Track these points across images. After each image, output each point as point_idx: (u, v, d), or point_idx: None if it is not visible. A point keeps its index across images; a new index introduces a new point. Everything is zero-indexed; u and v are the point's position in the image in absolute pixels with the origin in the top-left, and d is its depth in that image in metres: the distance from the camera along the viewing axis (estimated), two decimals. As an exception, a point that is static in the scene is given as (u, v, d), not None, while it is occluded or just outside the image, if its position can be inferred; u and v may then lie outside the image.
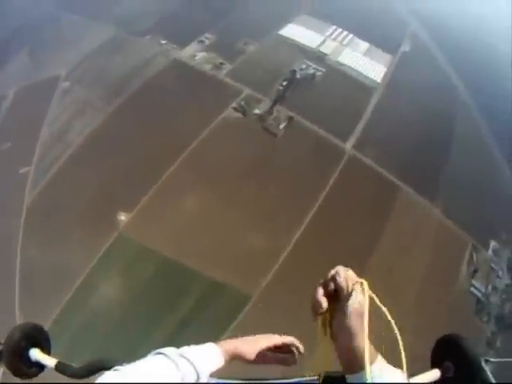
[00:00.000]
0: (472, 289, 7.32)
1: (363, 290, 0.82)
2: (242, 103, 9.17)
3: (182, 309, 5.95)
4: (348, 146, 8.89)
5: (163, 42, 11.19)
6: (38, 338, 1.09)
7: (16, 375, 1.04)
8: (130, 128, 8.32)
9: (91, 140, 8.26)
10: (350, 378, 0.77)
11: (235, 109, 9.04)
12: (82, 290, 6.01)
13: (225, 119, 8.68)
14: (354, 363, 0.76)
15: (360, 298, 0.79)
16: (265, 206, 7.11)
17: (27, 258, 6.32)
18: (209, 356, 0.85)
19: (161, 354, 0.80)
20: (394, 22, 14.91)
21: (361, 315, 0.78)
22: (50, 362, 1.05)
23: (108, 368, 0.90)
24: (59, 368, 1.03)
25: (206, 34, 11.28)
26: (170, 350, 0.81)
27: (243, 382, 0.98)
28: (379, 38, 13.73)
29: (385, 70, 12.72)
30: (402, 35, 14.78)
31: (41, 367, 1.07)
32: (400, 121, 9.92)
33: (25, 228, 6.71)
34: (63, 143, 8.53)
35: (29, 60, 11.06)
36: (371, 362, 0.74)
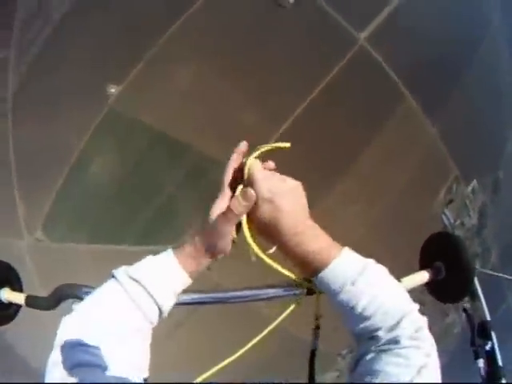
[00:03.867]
0: (443, 216, 7.48)
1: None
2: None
3: (173, 182, 5.95)
4: (362, 36, 8.00)
5: None
6: (5, 277, 1.00)
7: None
8: None
9: (73, 8, 7.18)
10: (320, 277, 0.60)
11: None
12: (77, 169, 5.87)
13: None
14: (313, 264, 0.60)
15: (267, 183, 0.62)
16: (261, 83, 6.48)
17: (19, 142, 6.07)
18: (171, 280, 0.61)
19: (113, 276, 0.61)
20: None
21: (273, 203, 0.60)
22: (19, 298, 0.97)
23: (72, 296, 0.87)
24: (29, 302, 0.95)
25: None
26: (120, 272, 0.61)
27: None
28: None
29: None
30: None
31: (16, 307, 0.99)
32: (423, 25, 8.80)
33: (13, 111, 6.26)
34: (43, 16, 7.50)
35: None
36: (333, 257, 0.59)
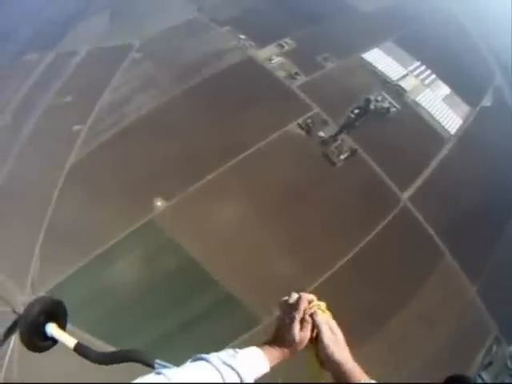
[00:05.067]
0: (478, 379, 7.04)
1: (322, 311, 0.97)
2: (308, 121, 8.84)
3: (190, 311, 5.99)
4: (405, 196, 8.43)
5: (242, 36, 10.92)
6: (55, 312, 1.06)
7: (29, 348, 1.01)
8: (190, 116, 8.22)
9: (148, 118, 8.23)
10: None
11: (299, 125, 8.74)
12: (100, 259, 6.08)
13: (287, 133, 8.43)
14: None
15: (329, 325, 0.94)
16: (302, 236, 6.89)
17: (58, 213, 6.47)
18: (254, 363, 0.83)
19: (203, 359, 0.77)
20: (480, 72, 13.97)
21: (339, 343, 0.91)
22: (68, 341, 0.99)
23: (135, 361, 0.89)
24: (78, 349, 0.97)
25: (287, 39, 10.90)
26: (213, 357, 0.78)
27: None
28: (462, 85, 12.93)
29: (461, 122, 11.92)
30: (486, 88, 13.88)
31: (54, 341, 1.03)
32: (464, 183, 9.29)
33: (64, 184, 6.87)
34: (120, 113, 8.58)
35: (108, 22, 11.15)
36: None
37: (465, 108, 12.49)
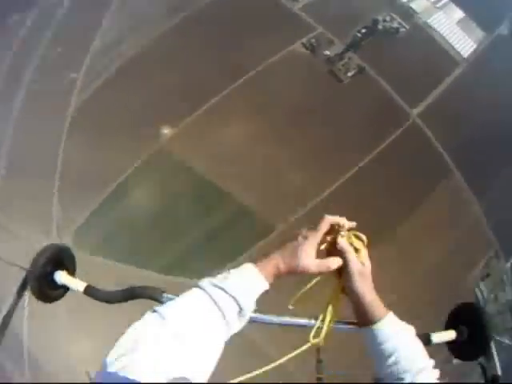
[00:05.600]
0: (476, 289, 7.42)
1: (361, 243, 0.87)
2: (313, 41, 8.48)
3: (206, 226, 6.14)
4: (414, 112, 8.24)
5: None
6: (63, 259, 1.06)
7: (42, 300, 1.01)
8: (187, 45, 7.91)
9: (144, 53, 7.94)
10: (363, 331, 0.84)
11: (304, 45, 8.40)
12: (116, 193, 6.18)
13: (290, 53, 8.12)
14: (366, 317, 0.82)
15: (361, 258, 0.86)
16: (311, 148, 6.88)
17: (68, 158, 6.46)
18: (251, 284, 0.75)
19: (197, 287, 0.73)
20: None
21: (364, 275, 0.85)
22: (78, 285, 1.00)
23: (144, 296, 0.89)
24: (89, 292, 0.98)
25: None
26: (204, 282, 0.73)
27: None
28: (477, 10, 12.12)
29: (474, 46, 11.17)
30: (503, 16, 13.01)
31: (66, 288, 1.04)
32: (474, 104, 8.86)
33: (69, 130, 6.80)
34: (114, 54, 8.19)
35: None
36: (381, 317, 0.81)
37: (479, 33, 11.79)
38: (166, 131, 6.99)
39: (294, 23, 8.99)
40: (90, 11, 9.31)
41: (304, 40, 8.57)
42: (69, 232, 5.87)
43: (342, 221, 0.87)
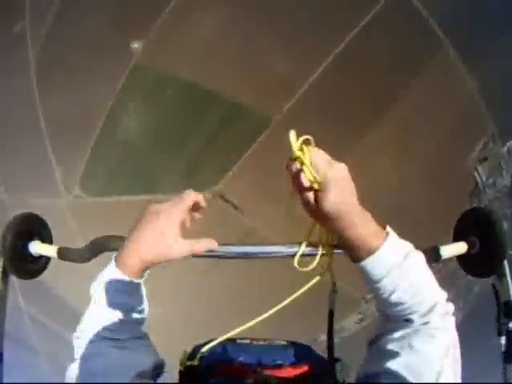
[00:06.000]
0: (475, 173, 7.37)
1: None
2: None
3: (204, 130, 6.26)
4: None
5: None
6: (34, 229, 1.07)
7: (22, 277, 1.04)
8: None
9: None
10: (364, 263, 0.65)
11: None
12: (108, 126, 5.84)
13: None
14: (355, 253, 0.66)
15: (332, 196, 0.63)
16: (292, 28, 6.31)
17: (48, 108, 5.96)
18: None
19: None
20: None
21: (339, 213, 0.65)
22: (51, 251, 1.04)
23: (110, 248, 0.96)
24: (61, 254, 1.02)
25: None
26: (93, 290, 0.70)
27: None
28: None
29: None
30: None
31: (46, 259, 1.07)
32: None
33: (38, 80, 6.55)
34: None
35: None
36: (375, 248, 0.63)
37: None
38: (137, 45, 6.56)
39: None
40: None
41: None
42: (75, 183, 5.75)
43: (202, 201, 0.73)
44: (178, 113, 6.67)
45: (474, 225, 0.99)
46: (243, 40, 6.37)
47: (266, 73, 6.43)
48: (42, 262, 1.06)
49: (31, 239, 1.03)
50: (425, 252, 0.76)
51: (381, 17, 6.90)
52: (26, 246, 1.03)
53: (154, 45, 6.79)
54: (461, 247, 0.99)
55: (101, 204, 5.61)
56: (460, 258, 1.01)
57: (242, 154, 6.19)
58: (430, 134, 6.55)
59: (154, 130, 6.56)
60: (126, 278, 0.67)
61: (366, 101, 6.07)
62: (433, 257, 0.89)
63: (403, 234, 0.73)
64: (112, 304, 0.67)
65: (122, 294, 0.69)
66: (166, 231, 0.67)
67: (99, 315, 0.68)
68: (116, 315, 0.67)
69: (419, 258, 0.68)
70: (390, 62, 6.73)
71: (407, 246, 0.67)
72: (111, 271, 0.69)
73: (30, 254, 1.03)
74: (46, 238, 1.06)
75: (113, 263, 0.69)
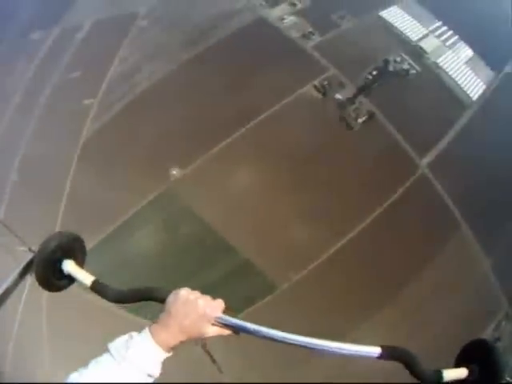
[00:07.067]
0: None
1: None
2: (325, 83, 8.38)
3: (207, 277, 6.02)
4: (424, 162, 8.05)
5: (252, -4, 10.24)
6: (73, 248, 1.01)
7: (44, 287, 0.96)
8: (201, 82, 7.79)
9: (159, 86, 7.83)
10: None
11: (316, 87, 8.23)
12: (119, 231, 6.10)
13: (302, 96, 7.99)
14: None
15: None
16: (319, 201, 6.68)
17: (75, 187, 6.41)
18: (152, 356, 0.79)
19: (108, 351, 0.79)
20: (504, 35, 12.98)
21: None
22: (85, 278, 0.95)
23: (157, 300, 0.87)
24: (96, 288, 0.93)
25: (299, -3, 10.17)
26: (112, 348, 0.79)
27: None
28: (485, 48, 12.08)
29: (484, 87, 10.95)
30: (511, 53, 12.98)
31: (71, 280, 0.99)
32: (484, 152, 8.51)
33: (79, 158, 6.71)
34: (130, 84, 8.10)
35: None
36: None
37: (488, 73, 11.72)
38: (175, 172, 7.01)
39: (306, 62, 8.82)
40: (109, 36, 9.23)
41: (316, 82, 8.33)
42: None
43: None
44: (190, 250, 6.61)
45: (476, 355, 1.00)
46: (270, 204, 6.68)
47: (285, 241, 6.53)
48: (65, 282, 0.99)
49: (68, 257, 0.97)
50: (429, 374, 0.81)
51: (403, 198, 7.46)
52: (60, 261, 0.97)
53: (191, 178, 7.20)
54: (461, 373, 1.01)
55: (78, 299, 4.05)
56: (460, 383, 1.02)
57: (237, 313, 5.70)
58: (439, 317, 6.46)
59: (160, 253, 6.24)
60: (165, 354, 0.80)
61: (376, 281, 5.73)
62: (435, 379, 0.92)
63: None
64: (142, 372, 0.75)
65: (155, 366, 0.78)
66: (203, 323, 0.85)
67: (120, 376, 0.73)
68: (141, 379, 0.75)
69: None
70: (408, 242, 7.11)
71: None
72: (148, 344, 0.77)
73: (60, 270, 0.96)
74: (80, 261, 1.01)
75: (149, 335, 0.79)
